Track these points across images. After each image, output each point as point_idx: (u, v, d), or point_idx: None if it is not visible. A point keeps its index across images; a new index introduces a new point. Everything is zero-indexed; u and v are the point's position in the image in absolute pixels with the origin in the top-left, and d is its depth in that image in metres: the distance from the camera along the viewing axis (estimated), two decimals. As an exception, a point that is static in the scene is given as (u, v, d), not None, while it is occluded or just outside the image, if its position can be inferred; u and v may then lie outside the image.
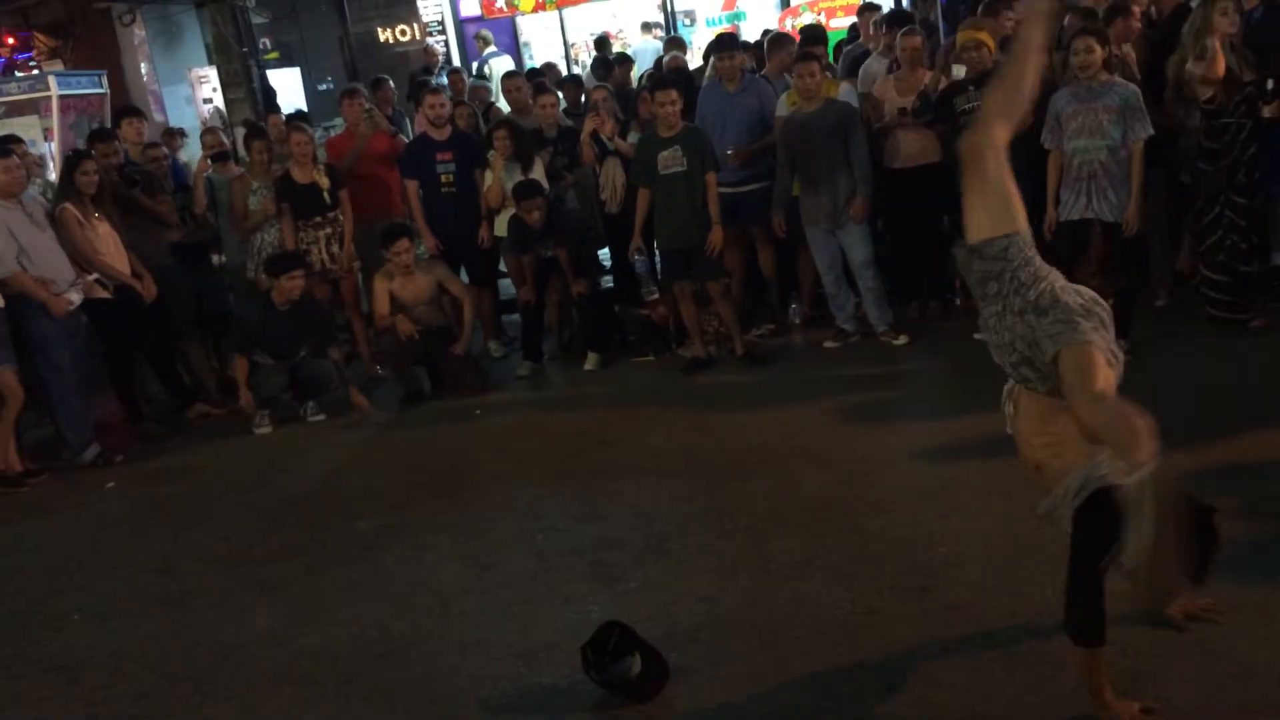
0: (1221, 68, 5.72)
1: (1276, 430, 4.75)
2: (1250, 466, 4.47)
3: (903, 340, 6.68)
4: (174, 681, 4.08)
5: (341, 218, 7.48)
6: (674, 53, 9.52)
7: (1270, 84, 5.78)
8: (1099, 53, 5.70)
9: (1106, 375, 2.73)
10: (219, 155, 7.83)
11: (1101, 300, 2.96)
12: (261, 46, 12.70)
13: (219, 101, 11.77)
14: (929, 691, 3.37)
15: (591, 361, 7.16)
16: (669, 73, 8.34)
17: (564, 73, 12.84)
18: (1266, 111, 5.82)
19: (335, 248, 7.47)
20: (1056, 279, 2.94)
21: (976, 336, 6.52)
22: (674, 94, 6.70)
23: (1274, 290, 6.23)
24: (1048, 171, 5.89)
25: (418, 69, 12.73)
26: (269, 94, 11.51)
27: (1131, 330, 5.82)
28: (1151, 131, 5.73)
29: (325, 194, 7.42)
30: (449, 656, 3.98)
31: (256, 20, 12.11)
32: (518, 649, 3.96)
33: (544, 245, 7.12)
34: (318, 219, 7.44)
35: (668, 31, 14.05)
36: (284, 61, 14.38)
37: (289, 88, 13.31)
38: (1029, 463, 3.09)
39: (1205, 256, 6.04)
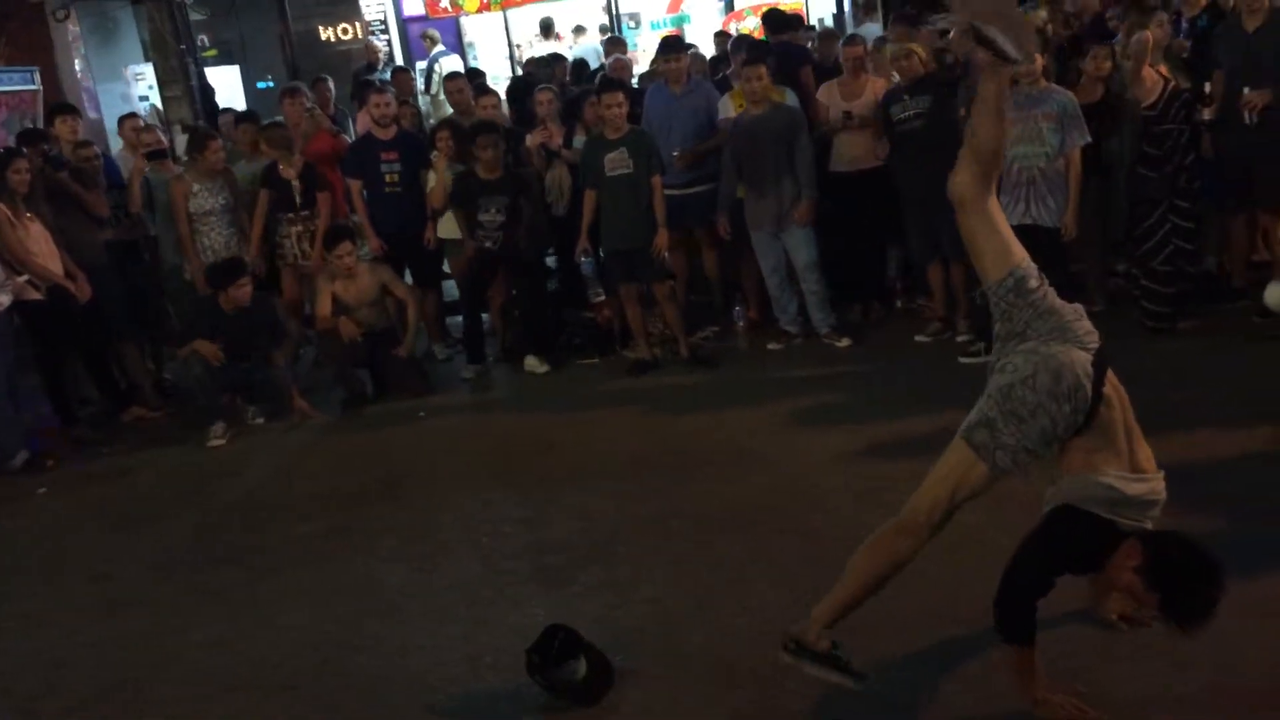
0: (1142, 89, 5.84)
1: (1214, 430, 4.88)
2: (1188, 467, 4.58)
3: (845, 343, 6.76)
4: (111, 690, 4.01)
5: (316, 217, 7.43)
6: (616, 55, 9.53)
7: (1207, 88, 5.95)
8: (1038, 61, 5.81)
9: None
10: (155, 154, 7.69)
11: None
12: (200, 44, 12.50)
13: (155, 99, 11.55)
14: (875, 690, 3.40)
15: (533, 364, 7.14)
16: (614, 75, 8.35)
17: (509, 73, 12.82)
18: (1206, 114, 5.97)
19: (306, 245, 7.43)
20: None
21: (918, 339, 6.69)
22: (620, 96, 6.72)
23: (1204, 294, 6.39)
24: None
25: (361, 67, 12.61)
26: (207, 92, 11.33)
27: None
28: (1089, 139, 5.85)
29: (297, 195, 7.39)
30: (393, 661, 3.95)
31: (195, 17, 11.93)
32: (462, 653, 3.94)
33: (492, 200, 6.95)
34: (291, 215, 7.40)
35: (603, 35, 14.06)
36: (223, 59, 14.15)
37: (228, 86, 13.10)
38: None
39: (1143, 263, 6.17)
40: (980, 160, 3.12)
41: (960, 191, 3.16)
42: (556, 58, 10.57)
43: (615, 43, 10.46)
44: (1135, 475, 3.07)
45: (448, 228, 7.36)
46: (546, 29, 13.51)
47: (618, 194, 6.67)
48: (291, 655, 4.09)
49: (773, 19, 8.97)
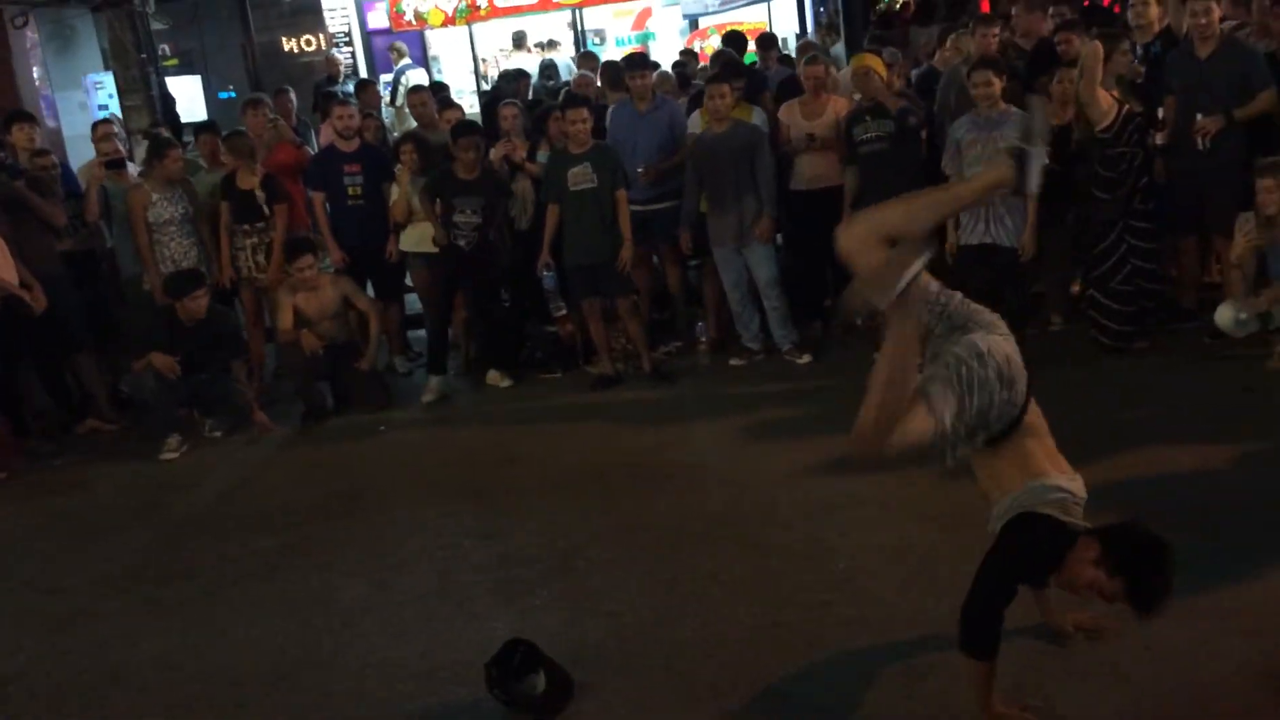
0: (1098, 111, 5.95)
1: (1163, 448, 4.95)
2: (1139, 484, 4.65)
3: (806, 359, 6.80)
4: (58, 706, 3.94)
5: (272, 229, 7.35)
6: (583, 71, 9.57)
7: (1160, 113, 6.06)
8: (997, 85, 5.90)
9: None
10: (114, 163, 7.60)
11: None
12: (160, 53, 12.39)
13: (115, 108, 11.43)
14: (830, 703, 3.43)
15: (495, 378, 7.12)
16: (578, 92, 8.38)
17: (474, 87, 12.84)
18: (1158, 138, 6.08)
19: (261, 256, 7.35)
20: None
21: (877, 356, 6.72)
22: (584, 112, 6.74)
23: (1159, 315, 6.49)
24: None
25: (322, 80, 12.56)
26: (168, 102, 11.23)
27: (1023, 351, 5.99)
28: (1046, 161, 5.91)
29: (262, 204, 7.31)
30: (349, 677, 3.92)
31: (156, 26, 11.81)
32: (420, 668, 3.91)
33: (468, 201, 6.89)
34: (246, 226, 7.32)
35: (578, 51, 14.11)
36: (184, 69, 14.04)
37: (189, 96, 13.00)
38: (981, 491, 3.29)
39: (1101, 283, 6.26)
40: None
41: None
42: (521, 73, 10.59)
43: (588, 57, 10.50)
44: (1070, 475, 3.16)
45: (410, 240, 7.33)
46: (518, 42, 13.59)
47: (581, 209, 6.68)
48: (244, 671, 4.03)
49: (730, 40, 9.07)
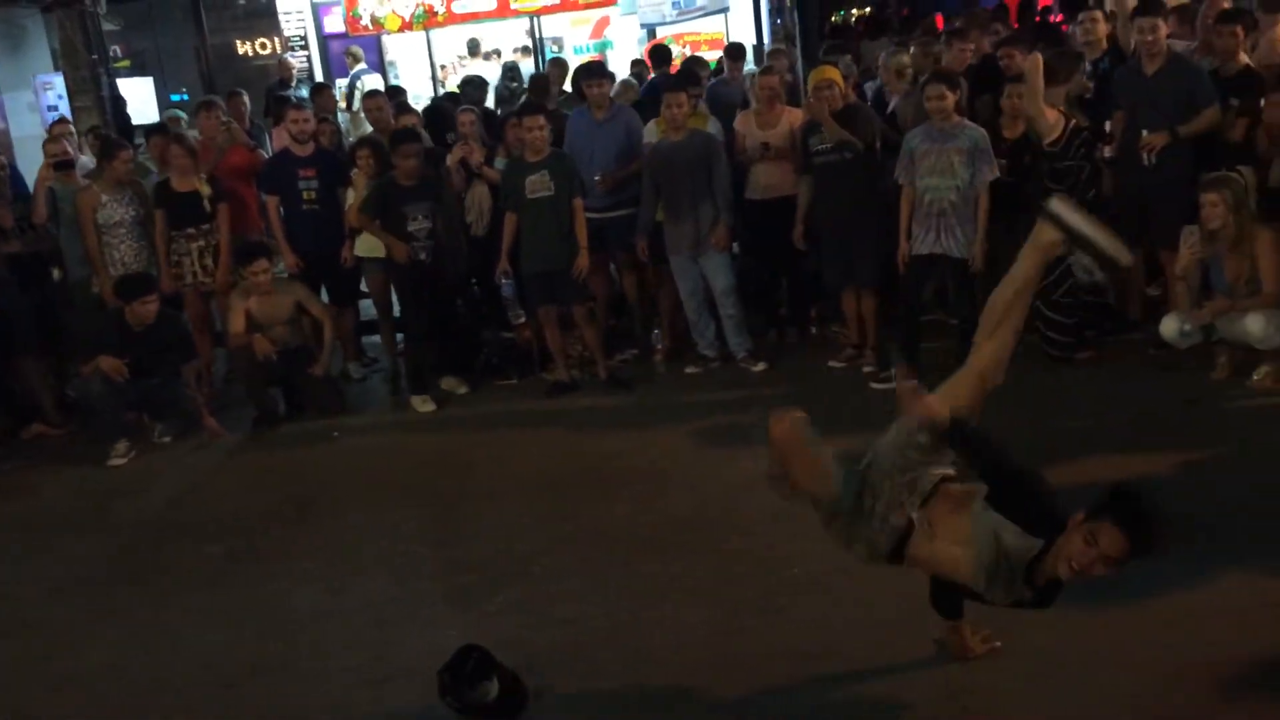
0: (1045, 125, 6.06)
1: (1105, 457, 5.03)
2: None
3: (761, 367, 6.84)
4: (3, 715, 3.86)
5: (216, 233, 7.26)
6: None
7: (1108, 126, 6.17)
8: (950, 98, 5.98)
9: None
10: (62, 164, 7.49)
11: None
12: (112, 54, 12.21)
13: (65, 109, 11.25)
14: (784, 707, 3.46)
15: (451, 384, 7.09)
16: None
17: (431, 93, 12.79)
18: (1106, 152, 6.20)
19: (209, 260, 7.25)
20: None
21: (831, 364, 6.80)
22: (541, 119, 6.74)
23: (1103, 326, 6.61)
24: (900, 206, 6.15)
25: (274, 84, 12.45)
26: (119, 103, 11.07)
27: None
28: (997, 174, 6.04)
29: (206, 202, 7.21)
30: (300, 684, 3.89)
31: (108, 27, 11.64)
32: (372, 675, 3.89)
33: (416, 207, 6.80)
34: (191, 230, 7.22)
35: (536, 59, 14.11)
36: (136, 70, 13.85)
37: (141, 98, 12.82)
38: None
39: (1043, 295, 6.36)
40: None
41: None
42: (483, 81, 10.56)
43: (558, 63, 10.44)
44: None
45: (366, 246, 7.28)
46: (473, 49, 13.61)
47: (538, 217, 6.68)
48: (193, 679, 3.99)
49: (655, 54, 9.12)
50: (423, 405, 6.90)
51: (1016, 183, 6.23)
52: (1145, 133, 6.05)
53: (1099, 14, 6.79)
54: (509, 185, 6.83)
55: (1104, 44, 6.68)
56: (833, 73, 6.62)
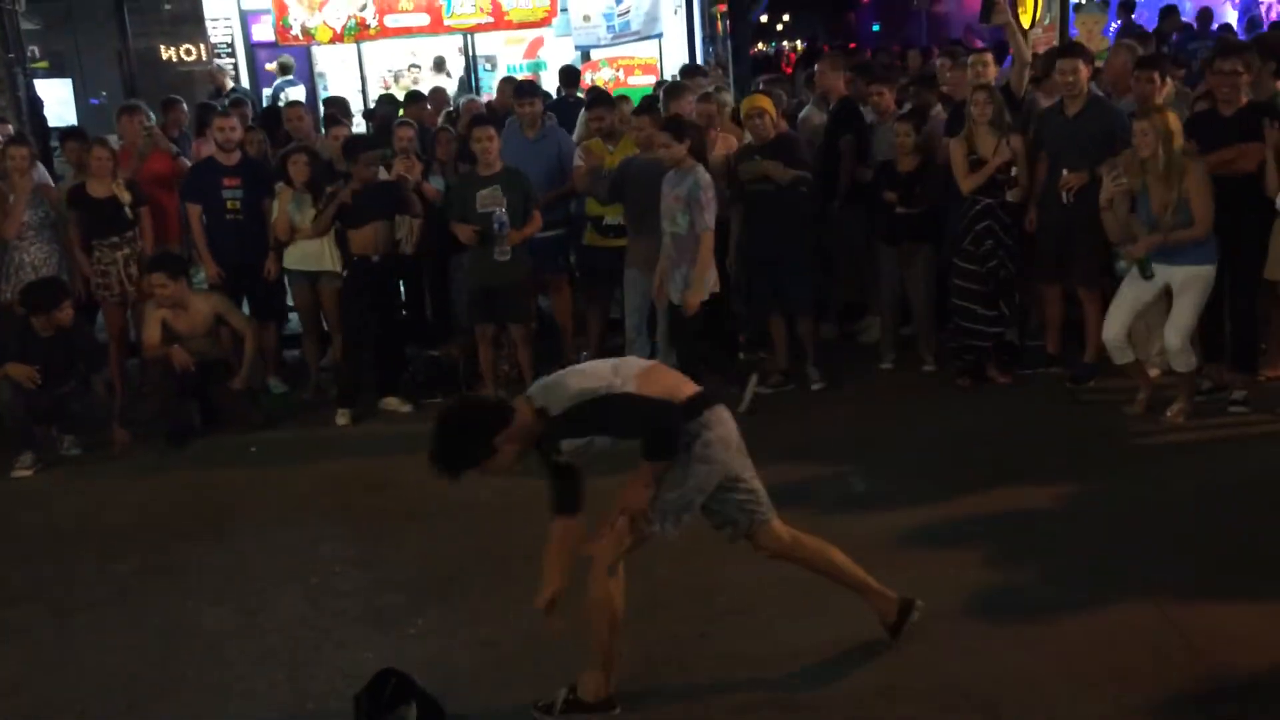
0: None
1: (1017, 485, 5.15)
2: (990, 520, 4.83)
3: None
4: (-112, 738, 3.68)
5: (141, 239, 7.07)
6: (470, 96, 9.52)
7: (1014, 170, 6.34)
8: (676, 148, 6.06)
9: None
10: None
11: None
12: (30, 54, 11.86)
13: (-23, 108, 10.90)
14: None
15: (394, 404, 6.91)
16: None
17: (359, 107, 12.63)
18: (1010, 196, 6.36)
19: (134, 269, 7.04)
20: None
21: (759, 390, 6.82)
22: (491, 131, 6.67)
23: (1005, 361, 6.72)
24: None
25: (210, 91, 12.21)
26: (35, 104, 10.75)
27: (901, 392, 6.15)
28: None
29: (127, 209, 7.01)
30: (209, 705, 3.78)
31: (26, 26, 11.31)
32: (285, 698, 3.80)
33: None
34: (115, 238, 7.00)
35: (469, 76, 14.05)
36: (54, 72, 13.48)
37: (58, 100, 12.50)
38: None
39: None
40: None
41: None
42: (418, 95, 10.46)
43: (509, 82, 10.31)
44: None
45: (293, 258, 7.14)
46: (439, 65, 13.59)
47: (487, 230, 6.59)
48: (95, 698, 3.86)
49: (564, 74, 9.15)
50: (342, 418, 6.78)
51: (910, 214, 6.60)
52: (1065, 172, 6.20)
53: (989, 56, 6.96)
54: (458, 197, 6.75)
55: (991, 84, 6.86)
56: (764, 101, 6.70)
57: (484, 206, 6.59)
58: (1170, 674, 3.60)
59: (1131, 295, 5.79)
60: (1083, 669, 3.64)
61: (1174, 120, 5.59)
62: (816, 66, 8.35)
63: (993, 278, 6.41)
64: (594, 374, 3.62)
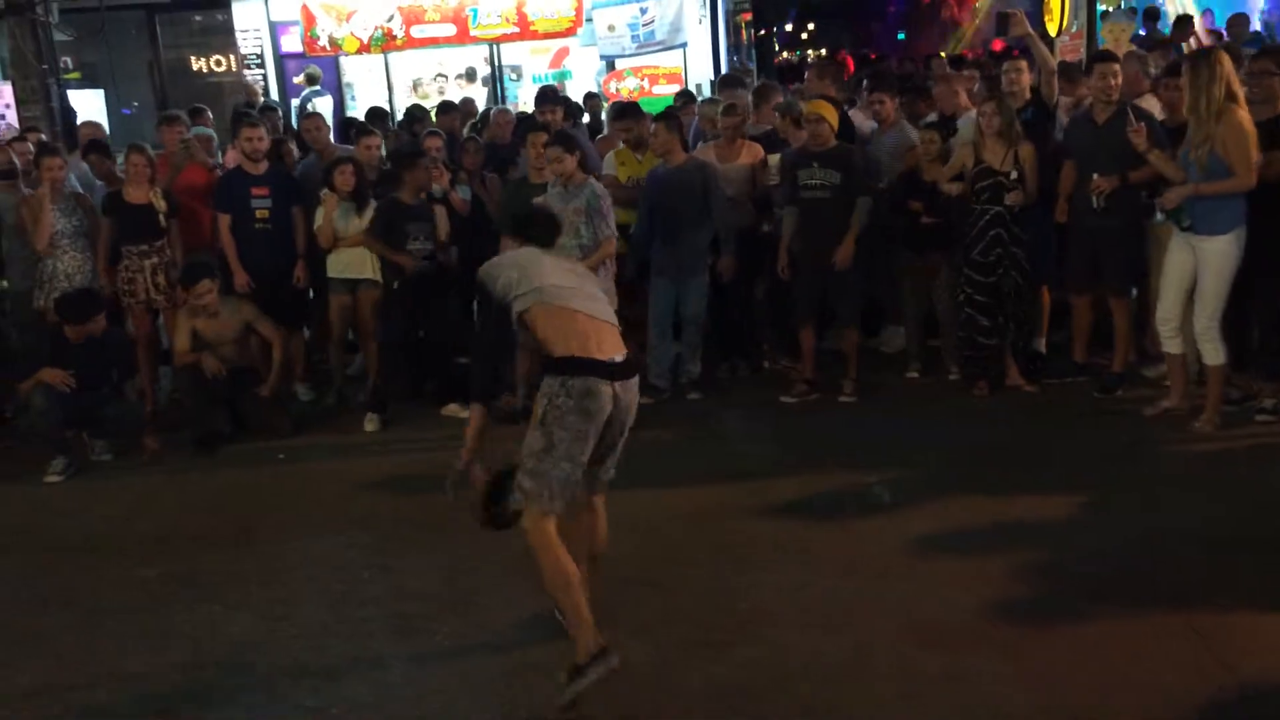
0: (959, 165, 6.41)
1: (1042, 496, 5.11)
2: (1002, 530, 4.79)
3: (695, 395, 6.88)
4: (-80, 742, 3.73)
5: (170, 248, 7.15)
6: (502, 107, 9.55)
7: (1014, 174, 6.30)
8: (568, 160, 6.04)
9: None
10: (5, 174, 7.32)
11: None
12: (63, 65, 12.04)
13: (12, 119, 11.06)
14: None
15: (455, 410, 6.84)
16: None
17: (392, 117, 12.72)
18: (1009, 200, 6.31)
19: (160, 278, 7.12)
20: None
21: (783, 399, 6.81)
22: (544, 137, 6.69)
23: (1031, 370, 6.70)
24: None
25: (240, 102, 12.34)
26: (68, 115, 10.91)
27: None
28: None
29: (161, 217, 7.09)
30: (235, 714, 3.79)
31: (59, 37, 11.48)
32: (310, 706, 3.80)
33: (419, 228, 6.77)
34: (145, 246, 7.08)
35: (494, 86, 14.13)
36: (87, 82, 13.66)
37: (91, 110, 12.63)
38: None
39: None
40: None
41: None
42: (450, 105, 10.53)
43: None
44: None
45: (337, 266, 7.19)
46: (471, 75, 13.74)
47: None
48: (125, 707, 3.88)
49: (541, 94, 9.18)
50: (370, 424, 6.82)
51: (934, 223, 6.63)
52: (1095, 176, 6.14)
53: (1024, 63, 6.94)
54: (509, 203, 6.76)
55: (1027, 94, 6.82)
56: (825, 108, 6.64)
57: None
58: (1200, 689, 3.55)
59: (1177, 267, 5.75)
60: (1110, 683, 3.60)
61: (1228, 63, 5.51)
62: (808, 72, 8.35)
63: (998, 288, 6.39)
64: (559, 274, 3.88)
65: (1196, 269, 5.66)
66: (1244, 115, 5.48)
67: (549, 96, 7.75)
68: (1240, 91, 5.54)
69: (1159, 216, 5.89)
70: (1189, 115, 5.59)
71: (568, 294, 3.80)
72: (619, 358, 3.74)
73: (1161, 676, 3.62)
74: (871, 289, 7.15)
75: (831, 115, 6.61)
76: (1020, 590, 4.26)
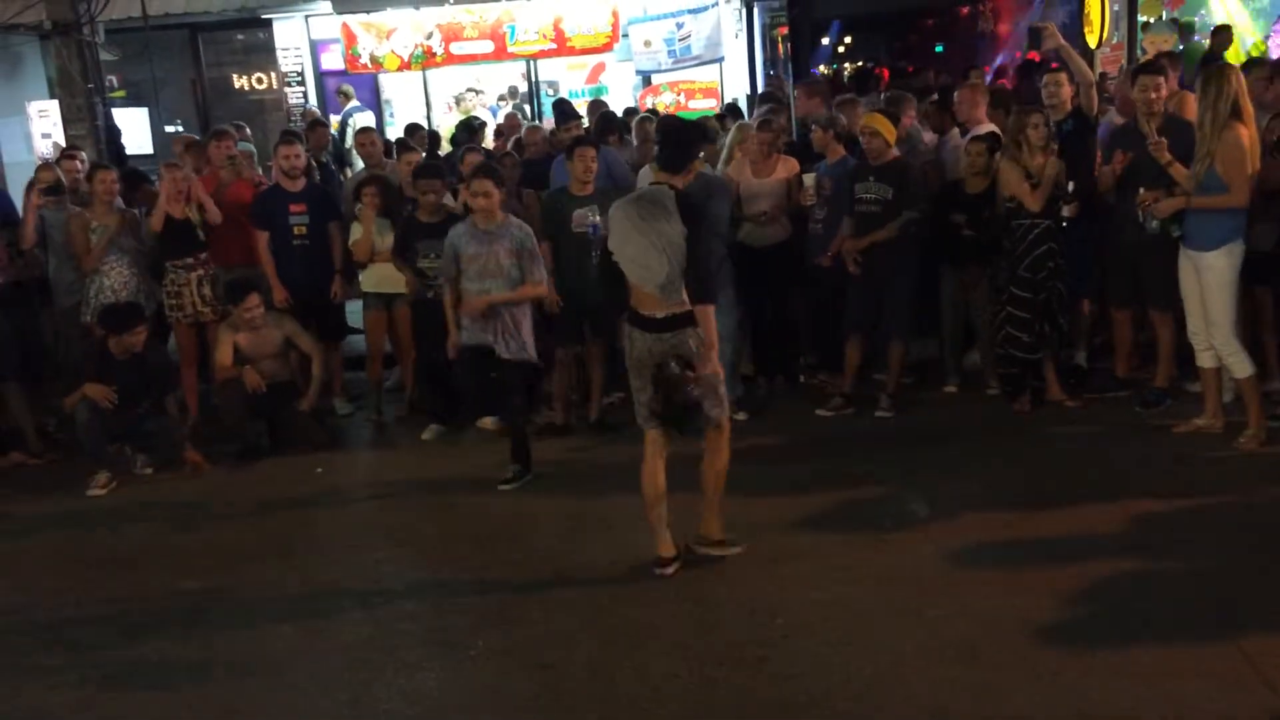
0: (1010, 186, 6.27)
1: (1085, 509, 5.04)
2: (1041, 544, 4.73)
3: (742, 416, 6.76)
4: (-34, 751, 3.78)
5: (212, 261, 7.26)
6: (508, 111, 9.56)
7: (1071, 186, 6.23)
8: (496, 195, 5.99)
9: None
10: (52, 190, 7.46)
11: None
12: (109, 84, 12.24)
13: (59, 137, 11.26)
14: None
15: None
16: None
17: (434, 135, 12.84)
18: (1066, 211, 6.24)
19: (206, 290, 7.23)
20: None
21: (819, 413, 6.77)
22: (591, 151, 6.70)
23: (1072, 385, 6.63)
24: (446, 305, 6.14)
25: (300, 126, 12.50)
26: (113, 132, 11.09)
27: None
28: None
29: (198, 230, 7.18)
30: (275, 726, 3.81)
31: (105, 57, 11.68)
32: (348, 717, 3.82)
33: (430, 245, 6.70)
34: (189, 259, 7.18)
35: (533, 102, 14.22)
36: (131, 101, 13.88)
37: (136, 128, 12.85)
38: None
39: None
40: None
41: None
42: (480, 122, 10.62)
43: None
44: None
45: (372, 281, 7.26)
46: (514, 92, 13.99)
47: (582, 249, 6.58)
48: (162, 718, 3.90)
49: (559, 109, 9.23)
50: (428, 434, 6.93)
51: (976, 237, 6.58)
52: (1142, 190, 6.04)
53: (1063, 76, 6.82)
54: (551, 215, 6.78)
55: (1068, 106, 6.72)
56: (881, 122, 6.60)
57: (578, 226, 6.62)
58: (1244, 710, 3.47)
59: (1186, 281, 5.76)
60: (1154, 706, 3.53)
61: (1239, 80, 5.49)
62: (796, 90, 8.31)
63: (1047, 302, 6.32)
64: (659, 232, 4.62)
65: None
66: (1245, 132, 5.46)
67: (569, 112, 7.73)
68: (1248, 109, 5.52)
69: (1152, 225, 5.87)
70: (1196, 130, 5.59)
71: None
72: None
73: (1205, 697, 3.55)
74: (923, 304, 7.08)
75: (887, 129, 6.56)
76: (1058, 609, 4.20)
